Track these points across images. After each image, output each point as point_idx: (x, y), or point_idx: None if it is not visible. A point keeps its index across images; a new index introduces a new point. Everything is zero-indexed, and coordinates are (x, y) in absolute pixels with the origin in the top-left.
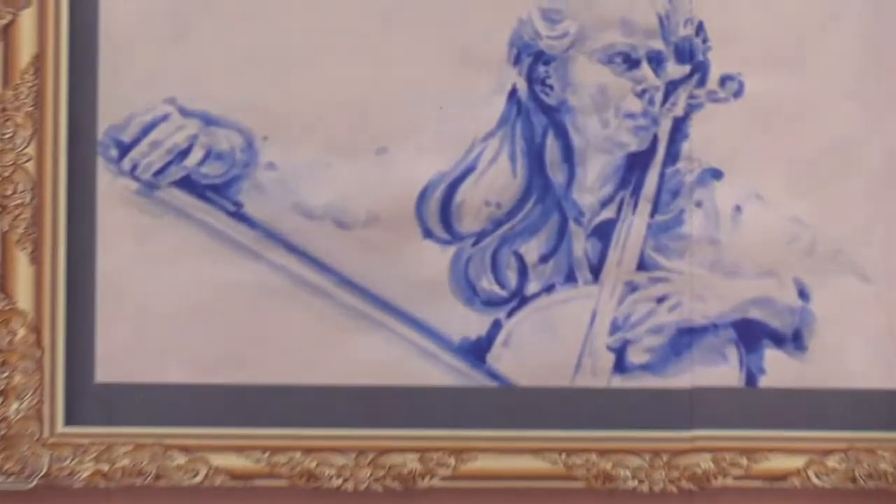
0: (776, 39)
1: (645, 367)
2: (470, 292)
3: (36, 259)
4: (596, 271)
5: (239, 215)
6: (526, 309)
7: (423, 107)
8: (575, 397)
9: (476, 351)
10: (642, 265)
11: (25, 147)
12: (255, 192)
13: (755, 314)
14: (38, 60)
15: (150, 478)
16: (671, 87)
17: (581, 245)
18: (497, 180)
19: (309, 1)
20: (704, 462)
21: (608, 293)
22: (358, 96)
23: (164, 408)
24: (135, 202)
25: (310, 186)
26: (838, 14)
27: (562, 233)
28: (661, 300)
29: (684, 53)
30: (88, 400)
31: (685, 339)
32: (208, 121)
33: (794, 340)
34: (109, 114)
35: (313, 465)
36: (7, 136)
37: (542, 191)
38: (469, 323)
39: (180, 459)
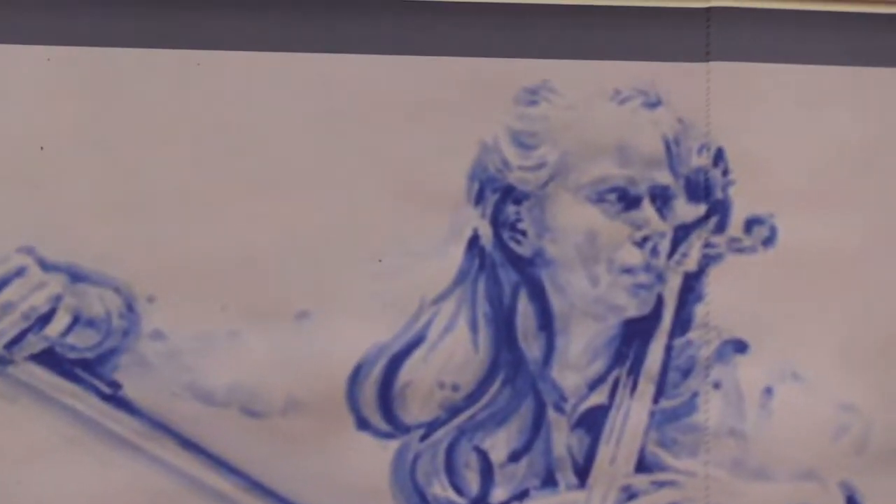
0: (821, 170)
1: None
2: (418, 500)
3: None
4: (582, 473)
5: (116, 399)
6: None
7: (356, 258)
8: None
9: None
10: (643, 465)
11: None
12: (137, 369)
13: None
14: None
15: None
16: (681, 234)
17: (563, 439)
18: (453, 355)
19: (206, 125)
20: None
21: (598, 501)
22: (270, 244)
23: None
24: None
25: (209, 362)
26: None
27: (538, 423)
28: None
29: (698, 189)
30: None
31: None
32: (76, 276)
33: None
34: None
35: None
36: None
37: (511, 368)
38: None
39: None
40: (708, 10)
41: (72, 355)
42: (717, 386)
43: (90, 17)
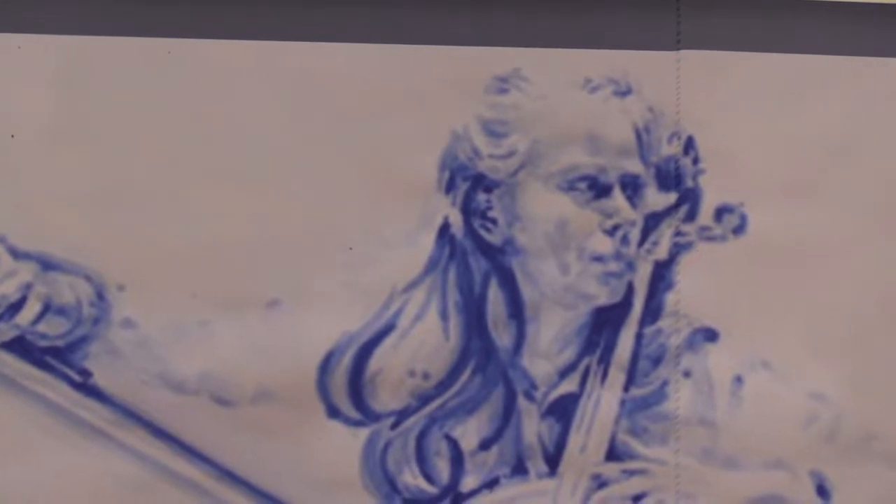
0: (790, 159)
1: None
2: (388, 488)
3: None
4: (553, 461)
5: (87, 388)
6: None
7: (326, 246)
8: None
9: None
10: (613, 453)
11: None
12: (107, 357)
13: None
14: None
15: None
16: (651, 222)
17: (533, 427)
18: (424, 343)
19: (177, 113)
20: None
21: (569, 489)
22: (241, 233)
23: None
24: None
25: (180, 351)
26: (875, 123)
27: (508, 411)
28: (637, 499)
29: (669, 177)
30: None
31: None
32: (47, 265)
33: None
34: None
35: None
36: None
37: (482, 356)
38: None
39: None
40: None
41: (42, 343)
42: (687, 374)
43: (61, 6)
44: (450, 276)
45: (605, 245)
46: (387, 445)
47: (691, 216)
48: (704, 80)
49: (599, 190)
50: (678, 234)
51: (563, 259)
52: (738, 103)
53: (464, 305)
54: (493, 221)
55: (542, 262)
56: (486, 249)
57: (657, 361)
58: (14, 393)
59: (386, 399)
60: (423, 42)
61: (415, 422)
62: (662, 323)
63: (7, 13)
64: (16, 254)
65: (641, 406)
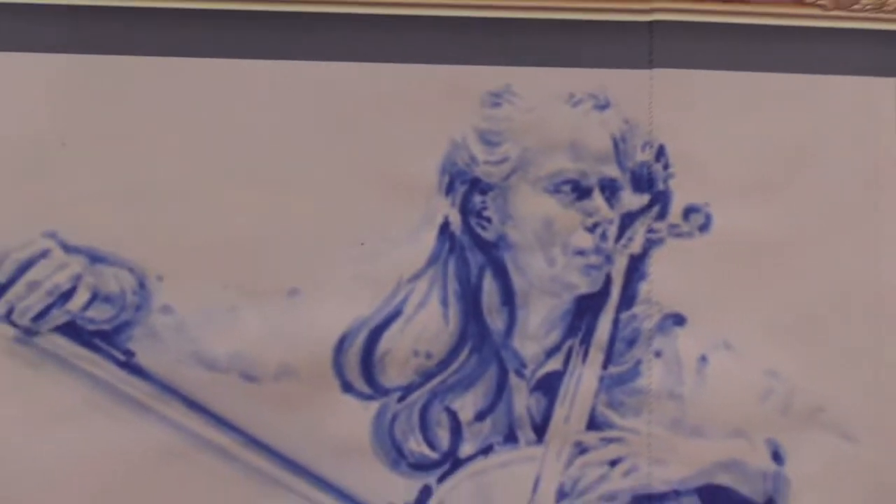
0: (750, 165)
1: None
2: (395, 454)
3: None
4: (540, 430)
5: (130, 366)
6: (459, 473)
7: (340, 242)
8: None
9: None
10: (593, 423)
11: None
12: (148, 339)
13: (722, 479)
14: None
15: None
16: (627, 220)
17: (523, 400)
18: (427, 327)
19: (209, 124)
20: None
21: (554, 455)
22: (265, 230)
23: None
24: (12, 351)
25: (212, 333)
26: (826, 134)
27: (501, 386)
28: (614, 463)
29: (642, 181)
30: None
31: None
32: (94, 258)
33: None
34: None
35: None
36: None
37: (478, 339)
38: (394, 489)
39: None
40: (651, 23)
41: (91, 327)
42: (658, 354)
43: (108, 28)
44: (449, 269)
45: (586, 241)
46: (394, 417)
47: (662, 215)
48: (674, 96)
49: (581, 192)
50: (650, 231)
51: (550, 253)
52: (704, 116)
53: (462, 294)
54: (488, 220)
55: (531, 255)
56: (482, 245)
57: (632, 343)
58: (66, 371)
59: (393, 376)
60: (426, 61)
61: (419, 396)
62: (637, 309)
63: (56, 31)
64: (66, 248)
65: (618, 382)
